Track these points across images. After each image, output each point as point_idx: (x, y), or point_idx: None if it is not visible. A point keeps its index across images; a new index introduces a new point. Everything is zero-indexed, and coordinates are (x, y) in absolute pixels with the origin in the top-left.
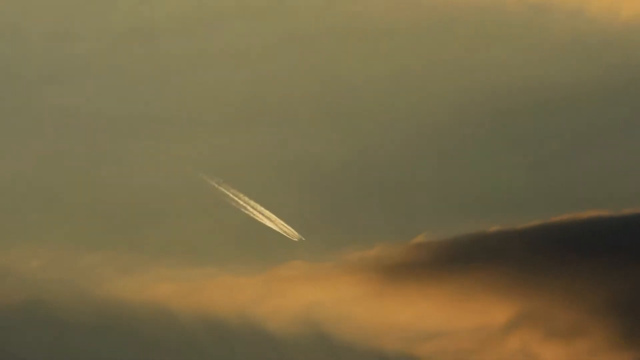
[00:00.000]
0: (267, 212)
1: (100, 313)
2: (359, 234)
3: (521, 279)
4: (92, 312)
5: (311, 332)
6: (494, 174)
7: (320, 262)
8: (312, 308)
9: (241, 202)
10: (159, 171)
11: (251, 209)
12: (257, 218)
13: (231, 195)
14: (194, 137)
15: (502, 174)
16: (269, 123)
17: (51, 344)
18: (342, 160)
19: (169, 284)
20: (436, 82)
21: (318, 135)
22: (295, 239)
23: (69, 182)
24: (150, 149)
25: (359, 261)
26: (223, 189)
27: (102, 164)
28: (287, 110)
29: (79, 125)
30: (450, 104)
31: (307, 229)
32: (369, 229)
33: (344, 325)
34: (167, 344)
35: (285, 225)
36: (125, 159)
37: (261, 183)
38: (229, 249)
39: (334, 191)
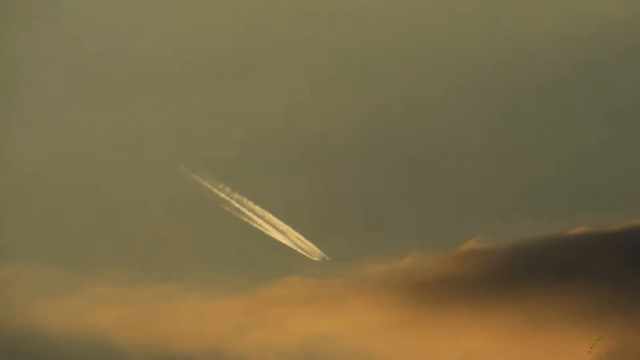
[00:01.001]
0: (254, 206)
1: (12, 346)
2: (384, 239)
3: (615, 303)
4: (1, 345)
5: None
6: (578, 156)
7: (327, 279)
8: (313, 343)
9: (219, 193)
10: (98, 142)
11: (231, 201)
12: (238, 215)
13: (204, 183)
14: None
15: (590, 157)
16: (259, 77)
17: None
18: (360, 130)
19: (111, 308)
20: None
21: (327, 93)
22: (294, 246)
23: None
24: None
25: (384, 277)
26: (192, 174)
27: (21, 132)
28: (282, 61)
29: None
30: (523, 50)
31: (309, 230)
32: (398, 230)
33: None
34: None
35: (280, 224)
36: (48, 119)
37: (247, 165)
38: (198, 258)
39: (349, 175)
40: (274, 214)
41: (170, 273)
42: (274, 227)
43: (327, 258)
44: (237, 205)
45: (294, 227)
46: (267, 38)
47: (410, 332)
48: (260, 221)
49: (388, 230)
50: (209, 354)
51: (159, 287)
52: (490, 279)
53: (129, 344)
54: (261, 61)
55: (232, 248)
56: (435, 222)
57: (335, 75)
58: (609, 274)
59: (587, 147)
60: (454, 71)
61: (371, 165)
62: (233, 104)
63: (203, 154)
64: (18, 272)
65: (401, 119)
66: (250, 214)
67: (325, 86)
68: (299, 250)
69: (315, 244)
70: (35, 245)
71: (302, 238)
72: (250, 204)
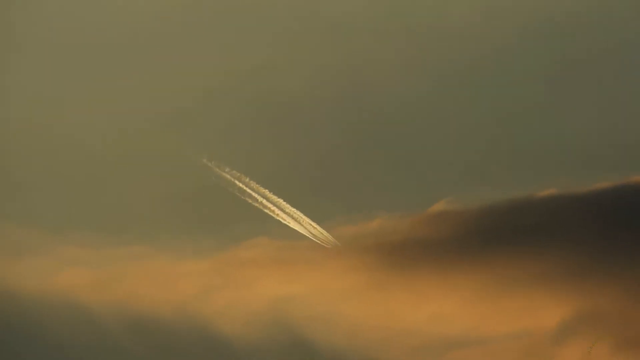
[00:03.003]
0: (227, 169)
1: None
2: (353, 200)
3: (583, 266)
4: None
5: (279, 338)
6: (550, 118)
7: (296, 240)
8: (281, 305)
9: (193, 156)
10: (69, 104)
11: (206, 162)
12: (210, 176)
13: (178, 145)
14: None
15: (560, 119)
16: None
17: None
18: (329, 92)
19: (81, 270)
20: None
21: (298, 53)
22: (265, 209)
23: None
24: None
25: (353, 238)
26: (166, 136)
27: None
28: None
29: None
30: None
31: (278, 191)
32: (367, 192)
33: (328, 329)
34: (77, 352)
35: (251, 183)
36: (22, 80)
37: (217, 121)
38: (167, 220)
39: (317, 136)
40: (243, 173)
41: (140, 235)
42: (235, 181)
43: (339, 244)
44: (218, 171)
45: (267, 188)
46: None
47: (378, 294)
48: (225, 177)
49: (357, 193)
50: (178, 314)
51: (129, 248)
52: (459, 241)
53: (99, 304)
54: (232, 20)
55: (201, 210)
56: (404, 184)
57: (309, 34)
58: (577, 236)
59: (557, 111)
60: (422, 35)
61: (340, 127)
62: (204, 63)
63: (176, 114)
64: None
65: (371, 81)
66: (216, 170)
67: (297, 46)
68: (310, 236)
69: (285, 205)
70: (5, 207)
71: (315, 225)
72: (218, 163)
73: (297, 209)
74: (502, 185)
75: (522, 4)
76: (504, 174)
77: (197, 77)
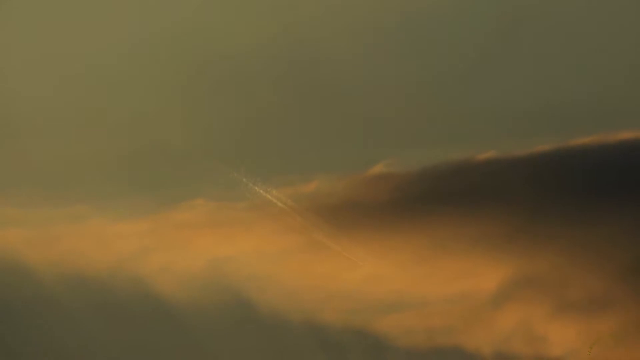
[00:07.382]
0: (162, 129)
1: None
2: (290, 161)
3: (521, 229)
4: None
5: (216, 298)
6: (490, 78)
7: (232, 202)
8: (219, 266)
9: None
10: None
11: (142, 122)
12: (146, 136)
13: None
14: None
15: (501, 80)
16: None
17: None
18: (265, 50)
19: (18, 230)
20: None
21: (232, 12)
22: (202, 170)
23: None
24: None
25: (289, 200)
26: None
27: None
28: None
29: None
30: None
31: (215, 149)
32: (305, 153)
33: (265, 290)
34: (15, 309)
35: (186, 143)
36: None
37: (150, 80)
38: (104, 179)
39: (254, 95)
40: (177, 133)
41: (77, 195)
42: (222, 174)
43: (276, 205)
44: (153, 131)
45: (202, 148)
46: None
47: (315, 256)
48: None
49: (294, 154)
50: (116, 274)
51: (68, 208)
52: (397, 203)
53: (36, 263)
54: None
55: (138, 171)
56: (342, 145)
57: None
58: (516, 199)
59: (497, 72)
60: None
61: (277, 87)
62: (136, 21)
63: (112, 72)
64: None
65: (308, 39)
66: (152, 130)
67: (233, 4)
68: (247, 197)
69: (222, 167)
70: None
71: (252, 186)
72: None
73: (233, 170)
74: (441, 148)
75: None
76: (443, 136)
77: (131, 36)
